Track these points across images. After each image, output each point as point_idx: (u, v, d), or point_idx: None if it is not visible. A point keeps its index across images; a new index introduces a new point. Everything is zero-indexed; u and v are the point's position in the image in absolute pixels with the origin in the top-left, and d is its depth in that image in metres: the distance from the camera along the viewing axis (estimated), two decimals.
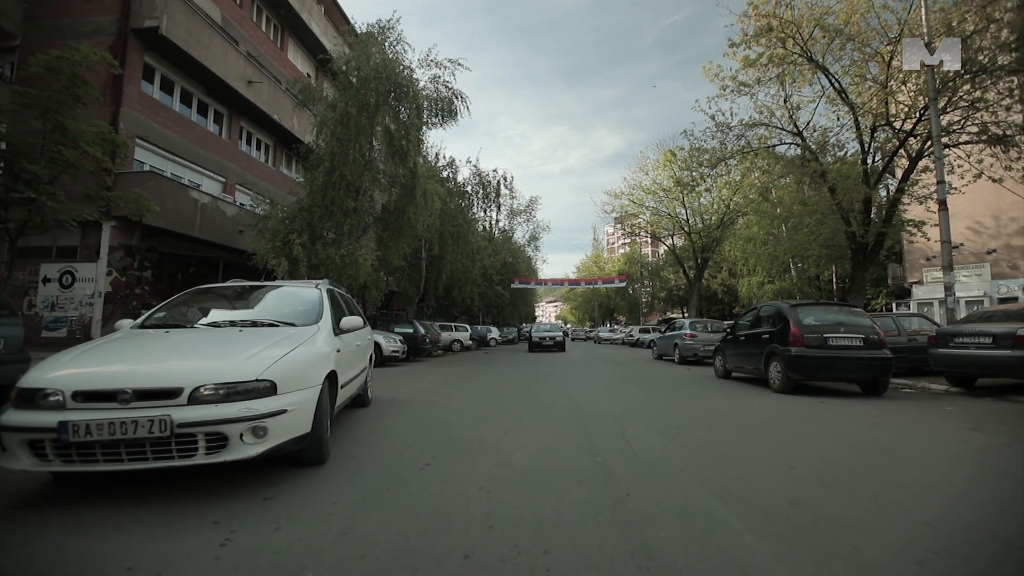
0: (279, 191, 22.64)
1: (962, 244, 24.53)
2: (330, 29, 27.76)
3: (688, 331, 15.37)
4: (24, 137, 7.49)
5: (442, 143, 64.62)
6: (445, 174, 24.89)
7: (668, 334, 17.37)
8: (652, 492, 3.05)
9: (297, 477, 3.30)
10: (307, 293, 4.83)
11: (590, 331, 58.70)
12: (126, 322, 4.13)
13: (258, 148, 23.27)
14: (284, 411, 3.04)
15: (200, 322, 4.10)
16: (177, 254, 17.81)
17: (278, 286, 5.28)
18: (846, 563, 2.11)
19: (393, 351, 14.62)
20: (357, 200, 15.81)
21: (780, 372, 8.09)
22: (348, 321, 4.58)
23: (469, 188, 26.68)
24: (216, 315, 4.30)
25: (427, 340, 18.16)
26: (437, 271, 23.22)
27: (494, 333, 32.88)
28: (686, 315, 36.49)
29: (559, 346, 24.52)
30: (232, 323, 4.05)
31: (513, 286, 37.55)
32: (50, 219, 7.68)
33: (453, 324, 25.97)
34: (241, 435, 2.85)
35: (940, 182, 10.16)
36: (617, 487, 3.14)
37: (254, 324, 4.04)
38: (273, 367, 3.10)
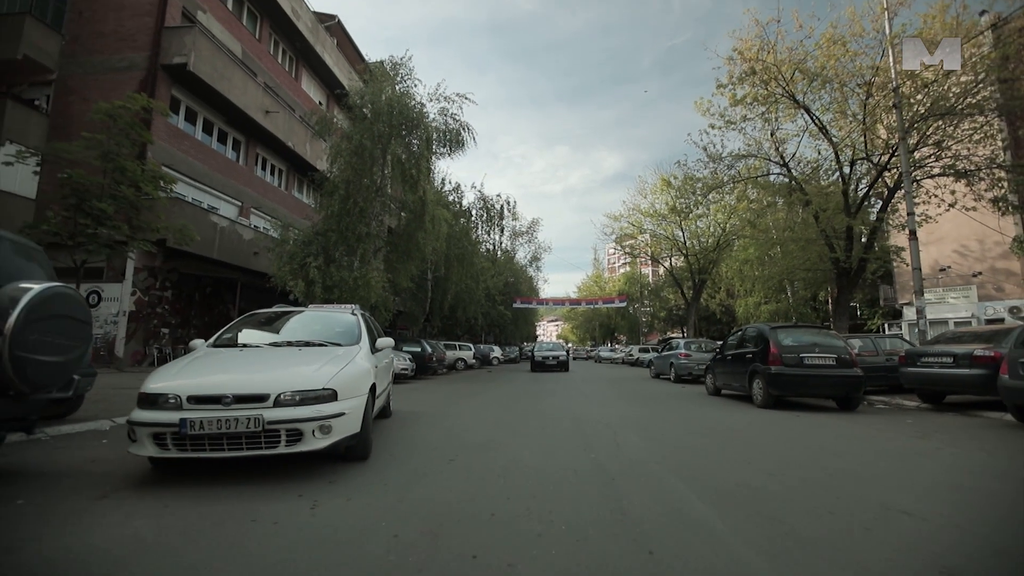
0: (291, 214, 23.71)
1: (949, 267, 25.44)
2: (342, 60, 29.14)
3: (683, 351, 16.15)
4: (89, 177, 8.47)
5: (448, 169, 66.15)
6: (451, 198, 26.01)
7: (664, 354, 18.14)
8: (632, 477, 3.87)
9: (349, 469, 4.11)
10: (346, 318, 5.69)
11: (591, 350, 59.31)
12: (199, 342, 4.98)
13: (272, 173, 24.35)
14: (343, 414, 3.87)
15: (264, 342, 4.95)
16: (195, 275, 18.73)
17: (318, 311, 6.14)
18: (763, 517, 2.93)
19: (403, 369, 15.38)
20: (369, 226, 16.78)
21: (762, 388, 8.89)
22: (382, 342, 5.44)
23: (474, 212, 27.75)
24: (274, 336, 5.15)
25: (434, 359, 18.94)
26: (443, 292, 24.12)
27: (496, 352, 33.58)
28: (685, 335, 37.24)
29: (563, 365, 23.87)
30: (289, 343, 4.91)
31: (515, 306, 38.42)
32: (115, 249, 8.62)
33: (457, 343, 26.72)
34: (313, 431, 3.69)
35: (910, 214, 11.08)
36: (605, 474, 3.95)
37: (307, 344, 4.89)
38: (334, 378, 3.95)
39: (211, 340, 4.98)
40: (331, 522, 2.85)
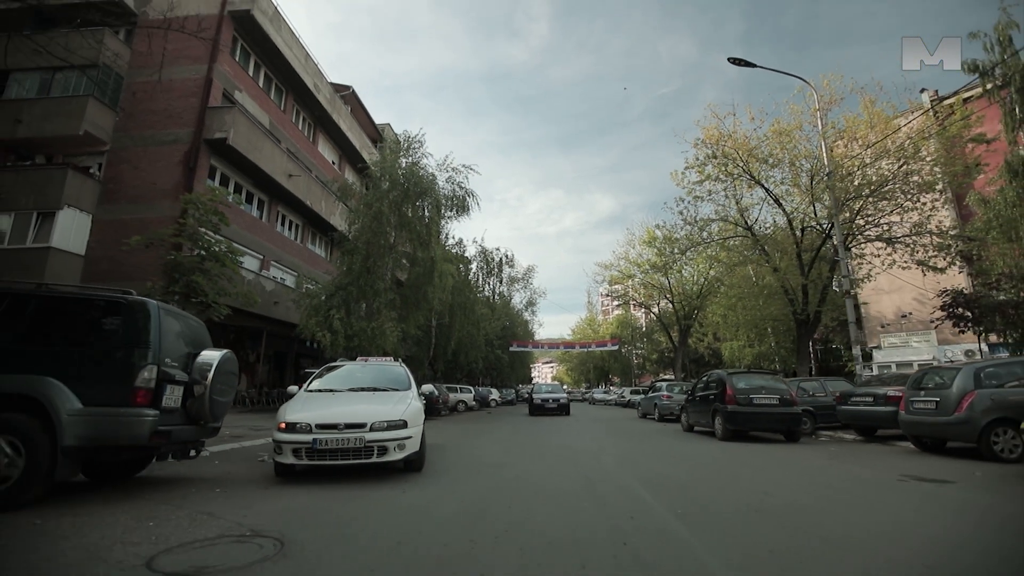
0: (306, 265, 25.94)
1: (911, 313, 27.76)
2: (355, 125, 32.07)
3: (665, 393, 18.06)
4: (186, 257, 10.56)
5: (452, 225, 68.87)
6: (455, 251, 28.36)
7: (650, 395, 20.00)
8: (606, 480, 5.80)
9: (412, 476, 5.99)
10: (396, 369, 7.67)
11: (585, 392, 60.65)
12: (294, 388, 6.93)
13: (289, 228, 26.59)
14: (411, 436, 5.80)
15: (344, 387, 6.88)
16: (222, 323, 20.54)
17: (370, 363, 8.11)
18: (689, 501, 4.86)
19: None
20: (385, 280, 18.88)
21: (721, 424, 10.79)
22: (425, 388, 7.39)
23: (475, 265, 30.01)
24: (349, 382, 7.08)
25: (440, 401, 20.67)
26: (446, 338, 26.02)
27: (495, 395, 35.13)
28: (675, 377, 38.94)
29: (563, 409, 22.02)
30: (363, 388, 6.85)
31: (512, 349, 40.23)
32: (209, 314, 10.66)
33: (458, 386, 28.38)
34: (394, 448, 5.61)
35: (844, 276, 13.33)
36: (588, 479, 5.87)
37: (375, 390, 6.83)
38: (405, 412, 5.89)
39: (304, 387, 6.93)
40: (419, 499, 4.76)
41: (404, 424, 5.77)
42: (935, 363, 26.45)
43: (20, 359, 4.42)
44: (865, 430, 11.41)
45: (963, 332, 17.97)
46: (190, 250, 10.90)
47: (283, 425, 5.56)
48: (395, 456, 5.63)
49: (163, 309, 5.10)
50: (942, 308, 17.49)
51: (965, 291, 17.74)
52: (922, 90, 27.56)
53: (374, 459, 5.52)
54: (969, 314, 16.44)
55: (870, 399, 10.58)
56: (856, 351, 13.09)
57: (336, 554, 3.13)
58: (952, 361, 22.69)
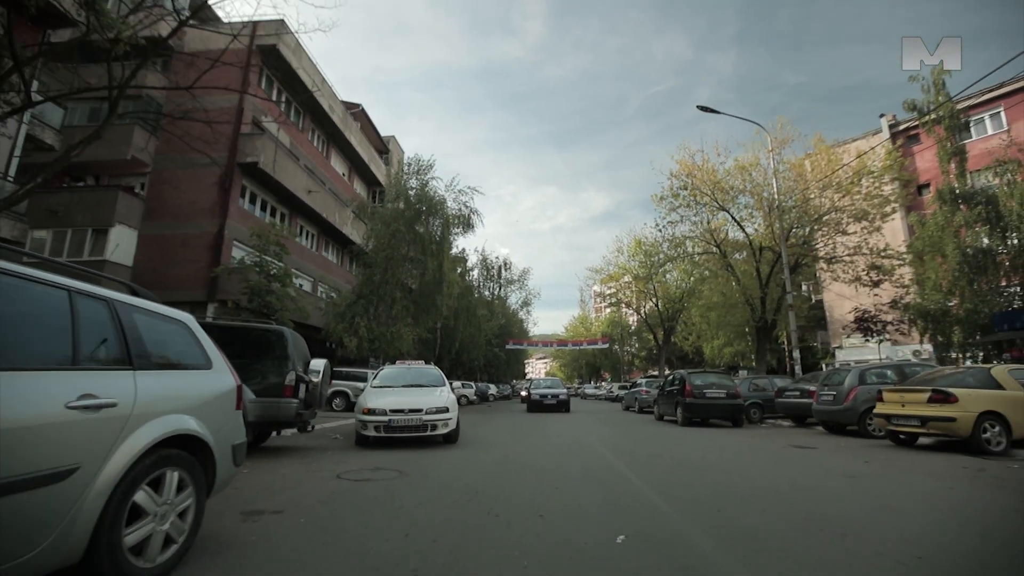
0: (321, 271, 28.51)
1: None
2: (364, 140, 34.55)
3: (644, 388, 20.89)
4: (259, 279, 13.16)
5: (456, 241, 70.52)
6: (459, 256, 31.13)
7: (632, 390, 22.83)
8: (584, 447, 8.54)
9: (451, 446, 8.66)
10: (433, 370, 10.37)
11: (578, 388, 63.66)
12: (362, 383, 9.58)
13: (307, 238, 29.07)
14: (451, 418, 8.50)
15: (398, 384, 9.54)
16: None
17: (410, 366, 10.79)
18: (633, 457, 7.58)
19: None
20: (401, 290, 21.52)
21: (680, 413, 13.56)
22: (455, 384, 10.09)
23: (476, 272, 32.71)
24: (400, 380, 9.74)
25: None
26: (450, 339, 28.76)
27: (493, 390, 37.92)
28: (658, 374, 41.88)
29: (563, 405, 20.94)
30: (412, 385, 9.52)
31: (508, 347, 43.01)
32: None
33: (460, 382, 31.08)
34: (441, 426, 8.30)
35: (788, 292, 16.13)
36: (572, 451, 8.60)
37: (420, 386, 9.50)
38: (446, 401, 8.59)
39: (369, 383, 9.58)
40: (460, 457, 7.46)
41: (447, 409, 8.47)
42: (868, 362, 29.50)
43: None
44: (797, 418, 14.19)
45: (868, 341, 21.26)
46: (257, 273, 13.52)
47: (366, 410, 8.23)
48: (441, 431, 8.34)
49: (291, 333, 7.75)
50: (854, 322, 20.66)
51: (902, 302, 20.67)
52: (881, 115, 30.49)
53: (428, 433, 8.23)
54: (872, 327, 19.83)
55: (798, 393, 13.38)
56: (796, 354, 15.91)
57: (434, 475, 5.83)
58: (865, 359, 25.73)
